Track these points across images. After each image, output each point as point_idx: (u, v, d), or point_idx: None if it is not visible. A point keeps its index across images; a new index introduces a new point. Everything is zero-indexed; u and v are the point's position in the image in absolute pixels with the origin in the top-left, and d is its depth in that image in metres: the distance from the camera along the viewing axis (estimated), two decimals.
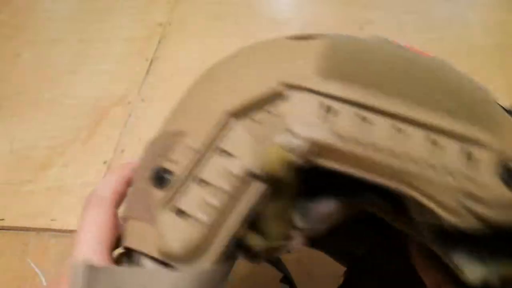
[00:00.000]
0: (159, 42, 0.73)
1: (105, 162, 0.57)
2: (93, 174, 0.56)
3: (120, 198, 0.29)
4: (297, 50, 0.27)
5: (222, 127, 0.24)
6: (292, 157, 0.23)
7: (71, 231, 0.51)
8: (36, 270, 0.48)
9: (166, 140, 0.26)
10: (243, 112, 0.24)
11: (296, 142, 0.23)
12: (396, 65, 0.25)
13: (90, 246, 0.25)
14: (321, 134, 0.23)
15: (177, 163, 0.24)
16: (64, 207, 0.53)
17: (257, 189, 0.24)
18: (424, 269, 0.32)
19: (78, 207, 0.52)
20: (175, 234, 0.23)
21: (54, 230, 0.51)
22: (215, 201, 0.23)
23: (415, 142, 0.23)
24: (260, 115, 0.24)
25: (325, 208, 0.29)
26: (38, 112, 0.64)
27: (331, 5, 0.78)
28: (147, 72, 0.68)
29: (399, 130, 0.23)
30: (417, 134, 0.23)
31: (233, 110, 0.24)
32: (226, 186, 0.23)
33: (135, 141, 0.59)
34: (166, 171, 0.24)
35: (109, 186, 0.29)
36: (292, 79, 0.24)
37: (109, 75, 0.69)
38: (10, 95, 0.67)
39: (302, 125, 0.23)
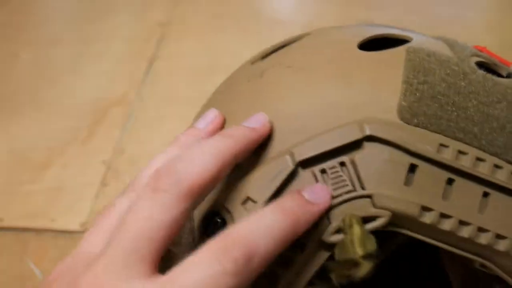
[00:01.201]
0: (159, 42, 0.73)
1: (104, 162, 0.57)
2: (93, 174, 0.56)
3: (210, 188, 0.19)
4: (376, 74, 0.22)
5: (286, 178, 0.20)
6: (372, 238, 0.19)
7: (70, 232, 0.51)
8: (36, 270, 0.47)
9: None
10: (312, 161, 0.21)
11: (376, 213, 0.20)
12: (493, 110, 0.22)
13: (131, 254, 0.17)
14: (404, 205, 0.20)
15: (234, 213, 0.21)
16: (63, 207, 0.53)
17: (324, 256, 0.20)
18: (453, 271, 0.32)
19: (77, 207, 0.52)
20: None
21: (54, 231, 0.51)
22: (278, 270, 0.20)
23: (503, 213, 0.21)
24: (331, 166, 0.20)
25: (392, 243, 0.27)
26: (38, 112, 0.64)
27: (331, 4, 0.78)
28: (147, 72, 0.68)
29: (487, 196, 0.21)
30: (507, 203, 0.21)
31: (301, 159, 0.20)
32: (290, 253, 0.20)
33: (135, 141, 0.59)
34: (219, 217, 0.21)
35: (202, 168, 0.19)
36: (374, 129, 0.20)
37: (108, 75, 0.69)
38: (9, 95, 0.67)
39: (383, 192, 0.20)
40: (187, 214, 0.19)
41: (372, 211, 0.20)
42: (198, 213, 0.22)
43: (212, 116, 0.24)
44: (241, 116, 0.23)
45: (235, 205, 0.21)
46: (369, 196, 0.20)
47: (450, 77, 0.22)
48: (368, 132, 0.20)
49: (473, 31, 0.72)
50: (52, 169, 0.57)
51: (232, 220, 0.21)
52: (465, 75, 0.22)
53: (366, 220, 0.20)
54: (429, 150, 0.20)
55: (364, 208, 0.20)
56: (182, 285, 0.17)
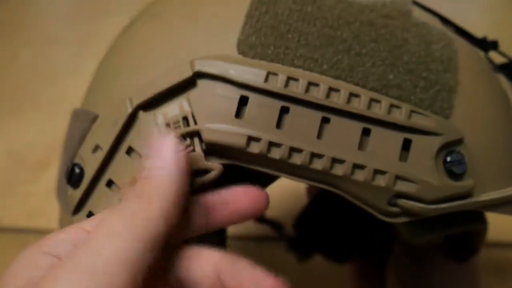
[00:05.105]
0: None
1: None
2: None
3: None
4: (222, 10, 0.23)
5: (129, 121, 0.21)
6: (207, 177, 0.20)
7: None
8: None
9: (84, 123, 0.24)
10: (152, 103, 0.21)
11: (206, 166, 0.20)
12: (341, 33, 0.21)
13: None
14: (231, 137, 0.20)
15: (86, 161, 0.22)
16: None
17: None
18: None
19: None
20: None
21: (53, 231, 0.51)
22: None
23: (342, 136, 0.20)
24: (172, 109, 0.21)
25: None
26: (37, 112, 0.64)
27: None
28: None
29: (327, 121, 0.20)
30: (347, 126, 0.20)
31: (140, 102, 0.21)
32: None
33: None
34: (79, 168, 0.23)
35: (178, 166, 0.18)
36: (202, 65, 0.20)
37: None
38: (8, 95, 0.67)
39: (212, 126, 0.20)
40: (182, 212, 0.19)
41: (203, 164, 0.20)
42: (63, 165, 0.24)
43: None
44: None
45: (87, 153, 0.22)
46: (198, 131, 0.20)
47: (296, 4, 0.22)
48: (196, 68, 0.20)
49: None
50: (52, 169, 0.57)
51: (89, 169, 0.22)
52: (314, 0, 0.22)
53: (198, 173, 0.20)
54: (256, 80, 0.20)
55: (195, 161, 0.20)
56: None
